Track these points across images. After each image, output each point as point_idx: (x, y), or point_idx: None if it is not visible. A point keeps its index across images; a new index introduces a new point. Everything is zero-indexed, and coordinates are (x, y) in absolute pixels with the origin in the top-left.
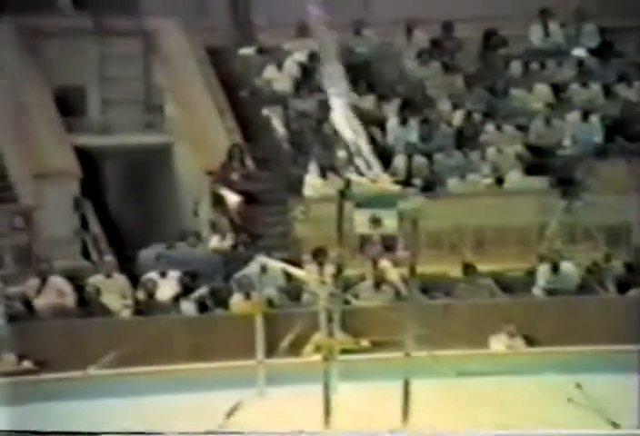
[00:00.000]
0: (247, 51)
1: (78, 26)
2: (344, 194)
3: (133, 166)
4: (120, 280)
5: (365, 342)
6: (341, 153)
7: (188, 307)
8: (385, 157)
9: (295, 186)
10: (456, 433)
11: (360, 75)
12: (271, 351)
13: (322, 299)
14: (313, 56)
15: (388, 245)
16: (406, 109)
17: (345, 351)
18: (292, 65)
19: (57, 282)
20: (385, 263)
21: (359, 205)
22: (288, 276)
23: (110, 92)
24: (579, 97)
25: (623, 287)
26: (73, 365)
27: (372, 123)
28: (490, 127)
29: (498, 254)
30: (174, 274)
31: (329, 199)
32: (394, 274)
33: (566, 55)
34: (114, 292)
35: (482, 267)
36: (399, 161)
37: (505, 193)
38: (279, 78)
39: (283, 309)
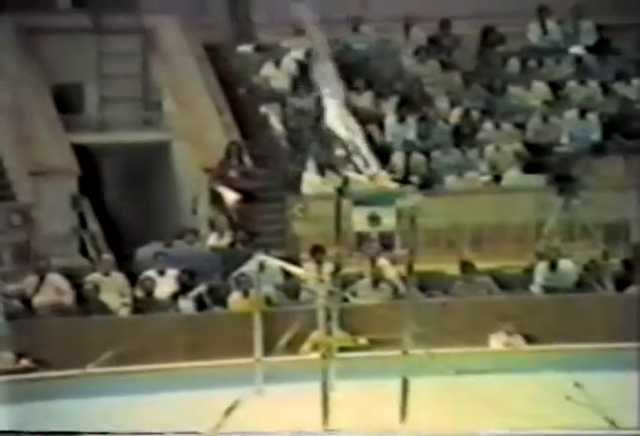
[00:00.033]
0: (246, 48)
1: (77, 24)
2: (341, 192)
3: (131, 164)
4: (118, 278)
5: (363, 340)
6: (339, 151)
7: (186, 305)
8: (382, 155)
9: (293, 184)
10: (456, 433)
11: (358, 73)
12: (269, 349)
13: (320, 297)
14: (311, 54)
15: (386, 243)
16: (404, 106)
17: (343, 349)
18: (290, 63)
19: (55, 279)
20: (382, 261)
21: (357, 203)
22: (286, 274)
23: (108, 89)
24: (577, 95)
25: (621, 284)
26: (71, 363)
27: (370, 120)
28: (488, 125)
29: (496, 252)
30: (172, 272)
31: (327, 197)
32: (391, 272)
33: (564, 53)
34: (112, 290)
35: (480, 265)
36: (397, 158)
37: (503, 191)
38: (277, 76)
39: (281, 307)
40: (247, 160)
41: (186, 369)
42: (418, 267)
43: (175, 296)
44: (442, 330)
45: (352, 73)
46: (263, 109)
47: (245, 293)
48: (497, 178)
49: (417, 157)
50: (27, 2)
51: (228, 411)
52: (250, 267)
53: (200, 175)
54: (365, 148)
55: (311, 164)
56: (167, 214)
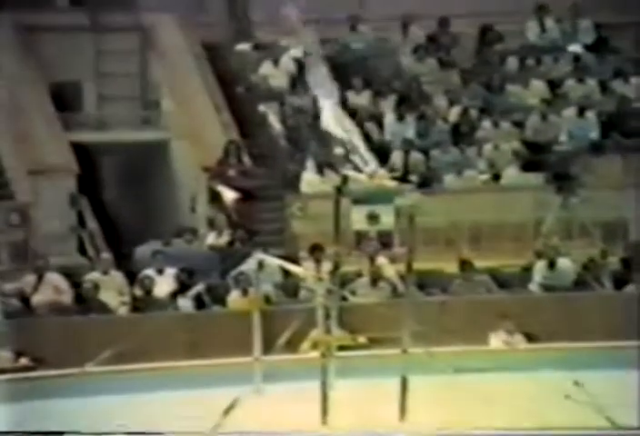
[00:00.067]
0: (244, 47)
1: (75, 22)
2: (340, 191)
3: (130, 162)
4: (117, 277)
5: (362, 339)
6: (338, 150)
7: (185, 304)
8: (381, 153)
9: (292, 183)
10: (456, 433)
11: (356, 71)
12: (268, 347)
13: (319, 295)
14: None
15: (385, 242)
16: (403, 105)
17: (342, 348)
18: (288, 62)
19: (54, 278)
20: (381, 260)
21: (356, 202)
22: (285, 273)
23: (107, 87)
24: (575, 93)
25: (619, 283)
26: (70, 362)
27: (368, 119)
28: (486, 123)
29: (495, 250)
30: (171, 271)
31: (326, 195)
32: (390, 271)
33: (563, 51)
34: (111, 288)
35: (478, 263)
36: (396, 157)
37: (502, 190)
38: (276, 74)
39: (280, 305)
40: (246, 159)
41: (185, 368)
42: (417, 266)
43: (173, 295)
44: (441, 328)
45: (350, 72)
46: (261, 108)
47: (244, 292)
48: (496, 176)
49: (416, 156)
50: (26, 0)
51: (227, 411)
52: (249, 266)
53: (199, 174)
54: (363, 147)
55: (310, 163)
56: (166, 213)
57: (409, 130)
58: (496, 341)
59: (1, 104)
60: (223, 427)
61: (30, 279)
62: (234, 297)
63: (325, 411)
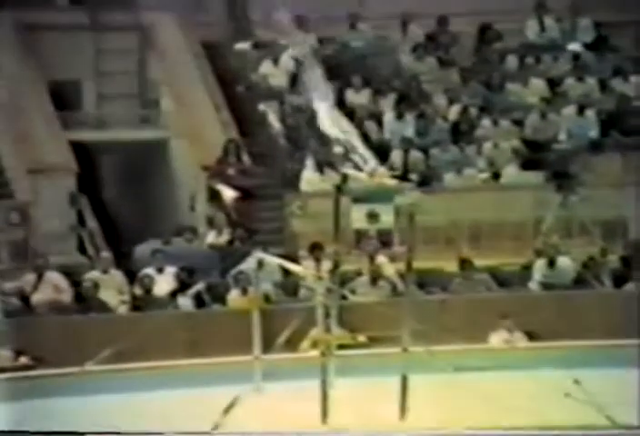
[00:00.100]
0: (243, 46)
1: (74, 21)
2: (340, 189)
3: (129, 161)
4: (117, 276)
5: (362, 338)
6: (337, 148)
7: (185, 302)
8: (381, 152)
9: (292, 181)
10: (455, 430)
11: (355, 70)
12: (268, 346)
13: (319, 294)
14: (300, 61)
15: (385, 240)
16: (402, 104)
17: (342, 347)
18: (288, 61)
19: (54, 277)
20: (381, 259)
21: (356, 200)
22: (285, 272)
23: (106, 86)
24: (575, 91)
25: (619, 281)
26: (70, 361)
27: (368, 117)
28: (486, 122)
29: (494, 249)
30: (170, 270)
31: (326, 194)
32: (390, 270)
33: (562, 50)
34: (111, 287)
35: (478, 262)
36: (396, 156)
37: (502, 188)
38: (275, 73)
39: (280, 304)
40: (245, 157)
41: (185, 366)
42: (417, 264)
43: (173, 294)
44: (441, 327)
45: (350, 70)
46: (261, 107)
47: (244, 291)
48: (496, 175)
49: (416, 154)
50: None
51: (227, 409)
52: (249, 265)
53: (198, 173)
54: (362, 147)
55: (309, 162)
56: (165, 212)
57: (409, 129)
58: (497, 339)
59: (1, 104)
60: (223, 426)
61: (30, 278)
62: (233, 296)
63: (324, 410)
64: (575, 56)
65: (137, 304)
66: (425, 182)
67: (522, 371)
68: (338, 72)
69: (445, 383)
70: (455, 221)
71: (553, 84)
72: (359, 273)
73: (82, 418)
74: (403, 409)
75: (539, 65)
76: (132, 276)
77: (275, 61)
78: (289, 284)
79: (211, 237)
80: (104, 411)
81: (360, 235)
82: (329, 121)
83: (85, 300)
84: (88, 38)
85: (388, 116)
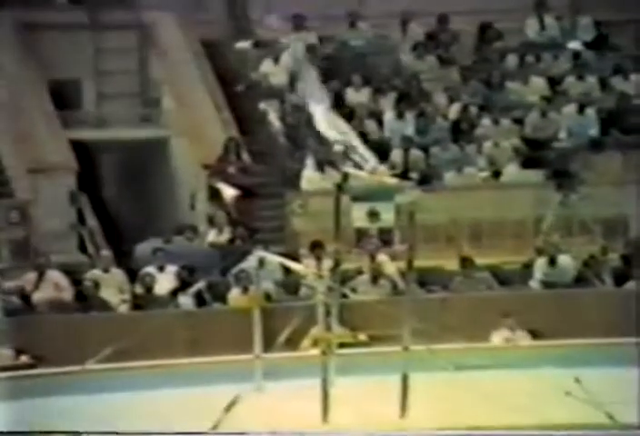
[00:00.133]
0: (244, 45)
1: (74, 20)
2: (341, 188)
3: (129, 160)
4: (117, 274)
5: (362, 336)
6: (337, 147)
7: (186, 301)
8: (381, 151)
9: (292, 180)
10: (456, 429)
11: (355, 69)
12: (269, 345)
13: (319, 293)
14: (309, 50)
15: (385, 239)
16: (402, 102)
17: (342, 345)
18: (288, 59)
19: (54, 276)
20: (382, 257)
21: (357, 199)
22: (286, 270)
23: (106, 85)
24: (575, 90)
25: (620, 279)
26: (71, 360)
27: (368, 116)
28: (486, 120)
29: (495, 247)
30: (171, 268)
31: (326, 193)
32: (391, 268)
33: (562, 48)
34: (111, 286)
35: (479, 260)
36: (396, 155)
37: (502, 187)
38: (275, 72)
39: (280, 303)
40: (246, 156)
41: (186, 365)
42: (417, 263)
43: (174, 292)
44: (441, 325)
45: (349, 69)
46: (261, 105)
47: (245, 290)
48: (496, 174)
49: (416, 153)
50: None
51: (228, 408)
52: (249, 263)
53: (198, 171)
54: (361, 147)
55: (310, 160)
56: (166, 211)
57: (409, 127)
58: (499, 338)
59: (1, 103)
60: (223, 425)
61: (31, 276)
62: (234, 294)
63: (325, 409)
64: (576, 55)
65: (138, 303)
66: (426, 180)
67: (522, 370)
68: (338, 71)
69: (445, 382)
70: (455, 219)
71: (553, 82)
72: (360, 272)
73: (82, 417)
74: (403, 407)
75: (539, 64)
76: (133, 275)
77: (276, 60)
78: (290, 283)
79: (212, 236)
80: (104, 410)
81: (361, 234)
82: (326, 124)
83: (85, 298)
84: (88, 37)
85: (388, 115)
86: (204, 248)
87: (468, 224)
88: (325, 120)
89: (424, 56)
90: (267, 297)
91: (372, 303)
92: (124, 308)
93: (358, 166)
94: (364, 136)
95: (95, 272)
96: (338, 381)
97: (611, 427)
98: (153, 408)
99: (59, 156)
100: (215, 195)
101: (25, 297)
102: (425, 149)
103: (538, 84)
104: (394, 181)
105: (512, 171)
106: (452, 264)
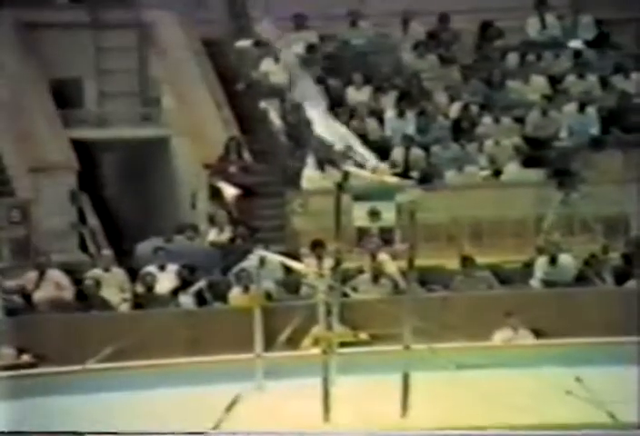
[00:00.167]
0: (244, 43)
1: (75, 19)
2: (341, 187)
3: (130, 159)
4: (118, 273)
5: (363, 335)
6: (338, 146)
7: (187, 300)
8: (382, 150)
9: (293, 179)
10: (457, 428)
11: (356, 67)
12: (269, 344)
13: (320, 292)
14: (310, 49)
15: (386, 238)
16: (403, 101)
17: (343, 345)
18: (288, 59)
19: (55, 275)
20: (383, 256)
21: (357, 198)
22: (287, 269)
23: (107, 84)
24: (576, 89)
25: (621, 278)
26: (72, 359)
27: (369, 115)
28: (487, 119)
29: (496, 246)
30: (172, 268)
31: (327, 192)
32: (392, 267)
33: (563, 47)
34: (112, 285)
35: (480, 259)
36: (397, 153)
37: (503, 185)
38: (276, 71)
39: (281, 302)
40: (247, 155)
41: (187, 364)
42: (418, 262)
43: (175, 291)
44: (442, 324)
45: (350, 68)
46: (262, 104)
47: (246, 289)
48: (497, 172)
49: (417, 152)
50: None
51: (229, 408)
52: (250, 262)
53: (199, 171)
54: (360, 147)
55: (310, 159)
56: (167, 210)
57: (410, 126)
58: (501, 337)
59: (2, 102)
60: (224, 424)
61: (31, 276)
62: (235, 294)
63: (326, 408)
64: (576, 54)
65: (139, 302)
66: (426, 179)
67: (523, 369)
68: (339, 69)
69: (446, 381)
70: (456, 218)
71: (554, 81)
72: (361, 271)
73: (83, 416)
74: (404, 407)
75: (540, 63)
76: (133, 274)
77: (276, 58)
78: (291, 282)
79: (212, 235)
80: (105, 409)
81: (361, 233)
82: (323, 127)
83: (86, 298)
84: (89, 36)
85: (389, 114)
86: (204, 247)
87: (469, 223)
88: (322, 124)
89: (424, 55)
90: (268, 296)
91: (373, 302)
92: (124, 307)
93: (359, 165)
94: (363, 137)
95: (96, 272)
96: (339, 380)
97: (612, 426)
98: (153, 407)
99: (60, 155)
100: (215, 194)
101: (26, 296)
102: (425, 148)
103: (539, 82)
104: (394, 179)
105: (513, 169)
106: (453, 263)
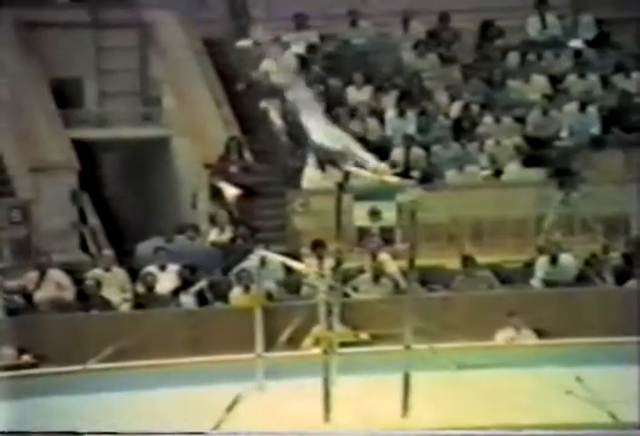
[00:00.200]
0: (245, 43)
1: (75, 19)
2: (342, 187)
3: (131, 159)
4: (119, 273)
5: (364, 335)
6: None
7: (187, 300)
8: (383, 149)
9: (294, 179)
10: (458, 428)
11: (357, 67)
12: (270, 344)
13: (321, 292)
14: (311, 48)
15: (387, 238)
16: (404, 101)
17: (344, 344)
18: (289, 58)
19: (56, 275)
20: (383, 256)
21: (358, 198)
22: (287, 269)
23: (107, 84)
24: (576, 88)
25: (621, 278)
26: (72, 359)
27: (369, 115)
28: (488, 119)
29: (497, 246)
30: (173, 268)
31: (328, 191)
32: (392, 267)
33: (563, 47)
34: (113, 285)
35: (480, 259)
36: (397, 153)
37: (503, 185)
38: (276, 71)
39: (282, 302)
40: (247, 155)
41: (187, 364)
42: (419, 262)
43: (176, 291)
44: (443, 324)
45: (351, 67)
46: (262, 104)
47: (246, 289)
48: (498, 172)
49: (417, 151)
50: None
51: (230, 408)
52: (251, 262)
53: (200, 171)
54: (360, 150)
55: (311, 159)
56: (167, 209)
57: (410, 126)
58: (503, 337)
59: (2, 102)
60: (225, 424)
61: (32, 276)
62: (236, 294)
63: (327, 408)
64: (577, 53)
65: (140, 302)
66: (427, 179)
67: (524, 369)
68: (340, 69)
69: (447, 381)
70: (456, 218)
71: (554, 80)
72: (361, 271)
73: (83, 416)
74: (405, 406)
75: (541, 62)
76: (134, 274)
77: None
78: (291, 282)
79: (213, 235)
80: (105, 409)
81: (362, 233)
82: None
83: (87, 298)
84: (89, 36)
85: (390, 113)
86: (205, 247)
87: (470, 223)
88: (320, 131)
89: (425, 55)
90: (269, 296)
91: (373, 302)
92: (125, 307)
93: (359, 165)
94: (364, 138)
95: (97, 272)
96: (340, 380)
97: (613, 426)
98: (154, 407)
99: (61, 155)
100: (216, 194)
101: (27, 296)
102: (426, 147)
103: (540, 82)
104: (395, 179)
105: (513, 169)
106: (453, 263)
